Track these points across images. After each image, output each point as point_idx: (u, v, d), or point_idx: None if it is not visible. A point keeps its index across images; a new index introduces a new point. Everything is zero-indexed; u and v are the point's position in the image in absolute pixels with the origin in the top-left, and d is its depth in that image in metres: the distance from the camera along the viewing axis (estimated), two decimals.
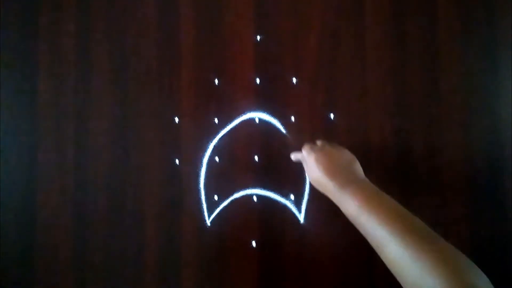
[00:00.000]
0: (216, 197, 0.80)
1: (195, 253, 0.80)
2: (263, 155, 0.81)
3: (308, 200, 0.80)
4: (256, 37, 0.81)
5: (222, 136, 0.81)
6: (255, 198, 0.80)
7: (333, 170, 0.62)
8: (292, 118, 0.81)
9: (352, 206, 0.55)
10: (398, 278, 0.46)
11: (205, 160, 0.81)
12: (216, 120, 0.82)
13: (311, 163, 0.65)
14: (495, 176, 0.79)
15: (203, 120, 0.82)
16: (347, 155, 0.66)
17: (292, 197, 0.80)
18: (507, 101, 0.80)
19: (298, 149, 0.79)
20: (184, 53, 0.82)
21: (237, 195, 0.80)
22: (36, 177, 0.82)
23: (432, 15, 0.82)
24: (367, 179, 0.63)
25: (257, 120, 0.81)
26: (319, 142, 0.71)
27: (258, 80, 0.81)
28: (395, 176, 0.80)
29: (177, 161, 0.81)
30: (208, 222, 0.80)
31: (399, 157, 0.80)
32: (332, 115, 0.81)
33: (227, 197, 0.81)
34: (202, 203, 0.80)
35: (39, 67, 0.84)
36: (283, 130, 0.81)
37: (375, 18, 0.82)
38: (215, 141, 0.81)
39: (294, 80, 0.81)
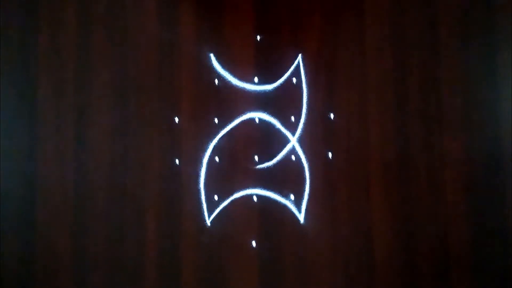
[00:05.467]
0: (216, 197, 0.81)
1: (195, 253, 0.80)
2: (263, 155, 0.81)
3: (308, 200, 0.80)
4: (256, 37, 0.81)
5: (222, 136, 0.81)
6: (255, 198, 0.80)
7: None
8: (292, 118, 0.81)
9: None
10: None
11: (205, 160, 0.81)
12: (216, 120, 0.82)
13: None
14: (495, 176, 0.79)
15: (203, 120, 0.82)
16: None
17: (292, 197, 0.80)
18: (507, 101, 0.80)
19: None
20: (184, 53, 0.82)
21: (237, 195, 0.81)
22: (36, 177, 0.82)
23: (432, 16, 0.82)
24: None
25: (257, 120, 0.81)
26: None
27: (258, 80, 0.81)
28: (395, 176, 0.80)
29: (177, 161, 0.81)
30: (208, 222, 0.80)
31: (399, 156, 0.80)
32: (332, 115, 0.81)
33: (227, 197, 0.81)
34: (202, 203, 0.80)
35: (39, 67, 0.84)
36: (283, 130, 0.81)
37: (375, 18, 0.82)
38: (215, 141, 0.81)
39: (294, 80, 0.81)
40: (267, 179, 0.80)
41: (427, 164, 0.79)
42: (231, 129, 0.81)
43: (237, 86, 0.82)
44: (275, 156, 0.81)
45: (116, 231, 0.81)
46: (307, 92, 0.81)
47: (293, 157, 0.80)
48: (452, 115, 0.80)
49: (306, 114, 0.81)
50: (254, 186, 0.80)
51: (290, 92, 0.81)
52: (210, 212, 0.80)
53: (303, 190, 0.80)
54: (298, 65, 0.81)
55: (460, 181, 0.79)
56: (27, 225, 0.82)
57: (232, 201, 0.80)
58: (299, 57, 0.81)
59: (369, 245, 0.78)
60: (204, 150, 0.81)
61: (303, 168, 0.80)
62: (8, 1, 0.84)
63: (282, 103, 0.81)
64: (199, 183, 0.81)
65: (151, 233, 0.80)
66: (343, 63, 0.81)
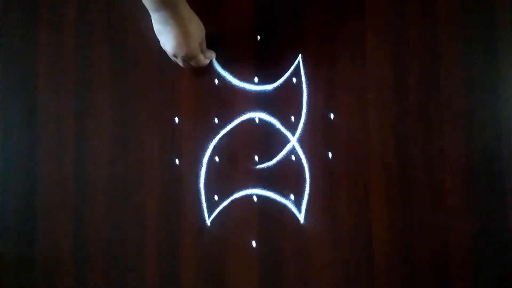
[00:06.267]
0: (216, 197, 0.81)
1: (195, 253, 0.80)
2: (263, 155, 0.81)
3: (308, 200, 0.80)
4: (256, 37, 0.82)
5: (222, 136, 0.81)
6: (255, 198, 0.80)
7: None
8: (292, 118, 0.81)
9: None
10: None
11: (205, 160, 0.81)
12: (216, 120, 0.82)
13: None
14: (495, 176, 0.79)
15: (203, 120, 0.82)
16: None
17: (292, 197, 0.80)
18: (507, 101, 0.80)
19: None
20: None
21: (237, 195, 0.80)
22: (36, 177, 0.82)
23: (432, 16, 0.82)
24: None
25: (257, 120, 0.81)
26: None
27: (258, 80, 0.81)
28: (395, 176, 0.80)
29: (177, 161, 0.81)
30: (208, 222, 0.80)
31: (399, 157, 0.80)
32: (332, 115, 0.81)
33: (227, 197, 0.81)
34: (202, 203, 0.80)
35: (39, 67, 0.84)
36: (283, 130, 0.81)
37: (376, 18, 0.82)
38: (215, 141, 0.81)
39: (294, 80, 0.81)
40: (267, 179, 0.80)
41: (427, 164, 0.79)
42: (231, 129, 0.81)
43: (237, 86, 0.82)
44: (275, 156, 0.81)
45: (116, 231, 0.81)
46: (307, 92, 0.81)
47: (293, 157, 0.80)
48: (452, 115, 0.80)
49: (306, 114, 0.81)
50: (254, 186, 0.80)
51: (290, 92, 0.81)
52: (210, 212, 0.80)
53: (303, 190, 0.80)
54: (298, 65, 0.81)
55: (460, 181, 0.79)
56: (27, 225, 0.82)
57: (232, 201, 0.80)
58: (299, 57, 0.81)
59: (369, 245, 0.78)
60: (204, 150, 0.81)
61: (303, 168, 0.80)
62: (8, 1, 0.85)
63: (282, 103, 0.81)
64: (199, 183, 0.81)
65: (151, 233, 0.80)
66: (343, 63, 0.81)
